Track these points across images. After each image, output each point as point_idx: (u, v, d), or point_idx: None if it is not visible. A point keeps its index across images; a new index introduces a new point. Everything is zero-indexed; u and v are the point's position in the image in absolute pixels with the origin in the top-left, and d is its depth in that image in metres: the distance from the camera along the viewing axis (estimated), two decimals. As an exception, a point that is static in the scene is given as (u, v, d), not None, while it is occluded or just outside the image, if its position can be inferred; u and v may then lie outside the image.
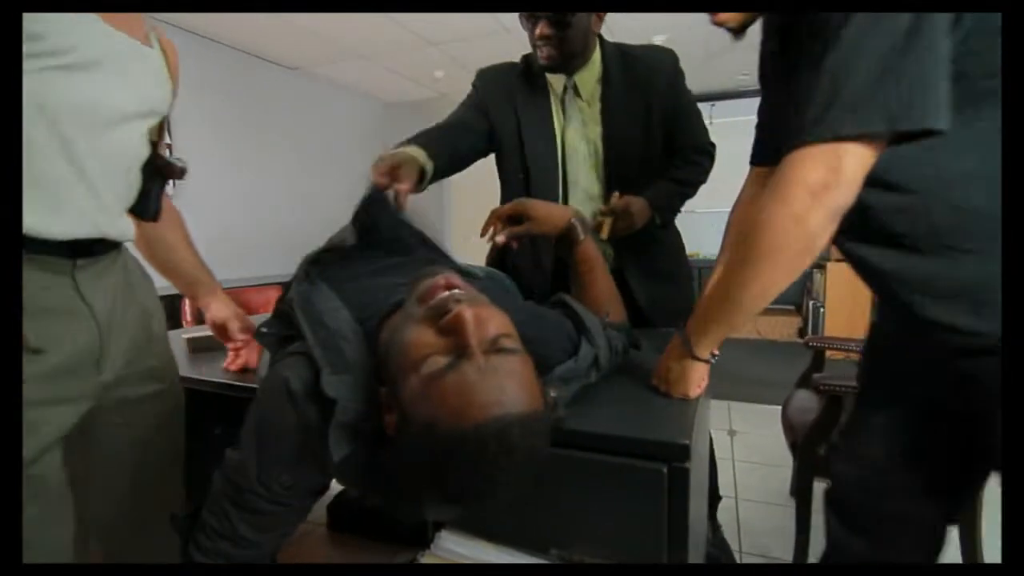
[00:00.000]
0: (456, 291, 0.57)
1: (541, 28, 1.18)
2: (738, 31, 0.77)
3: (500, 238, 0.96)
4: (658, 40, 3.58)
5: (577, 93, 1.29)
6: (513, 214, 0.98)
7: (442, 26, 3.29)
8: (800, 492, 1.41)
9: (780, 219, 0.64)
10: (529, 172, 1.34)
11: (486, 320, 0.55)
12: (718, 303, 0.73)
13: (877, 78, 0.58)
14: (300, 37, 3.39)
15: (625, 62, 1.29)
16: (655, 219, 1.27)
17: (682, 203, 1.36)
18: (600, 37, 1.30)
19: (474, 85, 1.43)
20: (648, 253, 1.33)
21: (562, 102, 1.31)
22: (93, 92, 0.68)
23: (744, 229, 0.68)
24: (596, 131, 1.30)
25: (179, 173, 0.82)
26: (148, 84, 0.77)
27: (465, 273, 0.87)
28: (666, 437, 0.63)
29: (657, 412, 0.73)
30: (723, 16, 0.75)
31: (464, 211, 5.40)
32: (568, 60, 1.24)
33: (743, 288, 0.69)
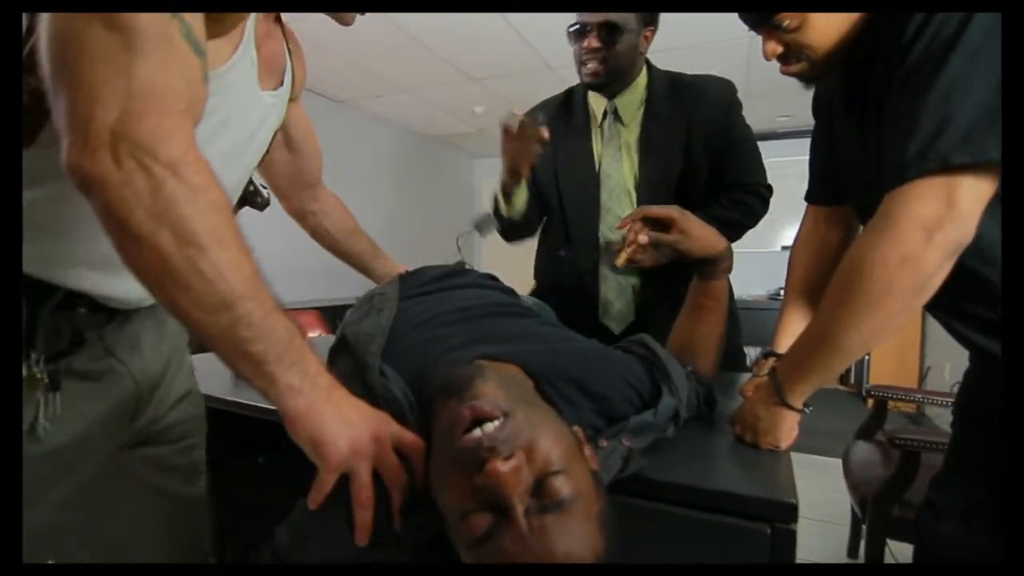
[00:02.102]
0: (488, 429, 0.47)
1: (589, 41, 1.17)
2: (809, 79, 0.77)
3: (643, 237, 0.89)
4: (699, 80, 3.59)
5: (618, 117, 1.27)
6: (663, 219, 0.89)
7: (486, 62, 3.36)
8: (871, 555, 1.29)
9: (890, 259, 0.59)
10: (563, 197, 1.31)
11: (529, 463, 0.46)
12: (817, 349, 0.67)
13: (991, 104, 0.55)
14: (349, 71, 3.50)
15: (673, 87, 1.26)
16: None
17: None
18: (647, 61, 1.28)
19: None
20: (676, 291, 1.22)
21: (601, 127, 1.29)
22: (240, 173, 0.67)
23: (847, 270, 0.64)
24: (634, 157, 1.26)
25: (262, 205, 0.80)
26: (275, 126, 0.74)
27: (517, 309, 0.79)
28: (770, 495, 0.57)
29: (749, 465, 0.67)
30: (793, 67, 0.74)
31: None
32: (613, 77, 1.21)
33: (846, 334, 0.63)
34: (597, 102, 1.28)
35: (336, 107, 4.13)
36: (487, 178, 6.18)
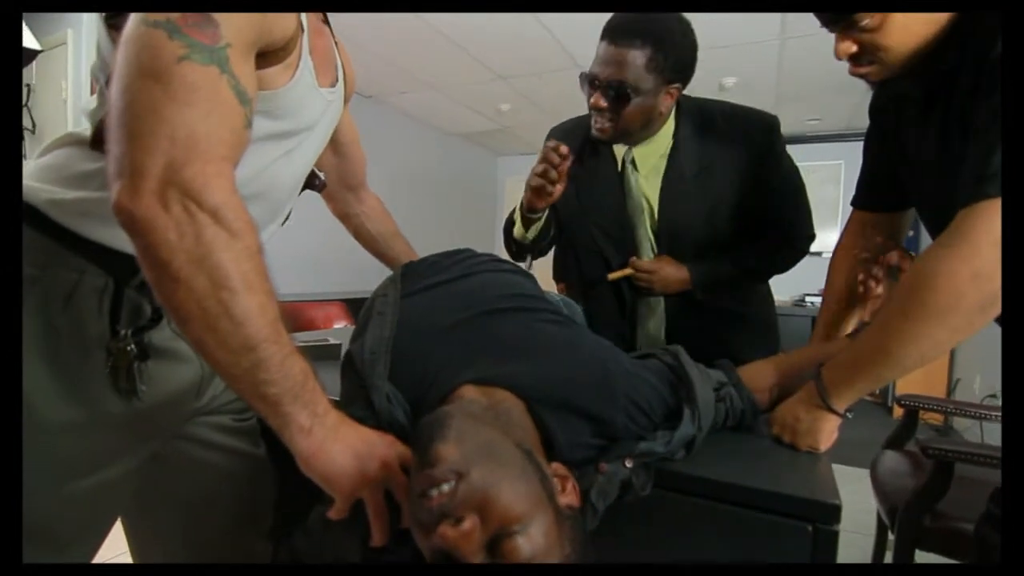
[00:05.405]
0: (444, 490, 0.47)
1: (596, 99, 1.04)
2: (877, 81, 0.75)
3: None
4: (728, 82, 3.55)
5: (635, 166, 1.15)
6: None
7: (514, 60, 3.37)
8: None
9: (960, 274, 0.59)
10: (596, 238, 1.22)
11: (484, 523, 0.46)
12: (872, 358, 0.67)
13: None
14: (377, 67, 3.54)
15: (702, 128, 1.12)
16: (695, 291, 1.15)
17: (739, 286, 1.20)
18: (680, 104, 1.13)
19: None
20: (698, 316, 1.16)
21: (624, 172, 1.17)
22: (303, 165, 0.71)
23: (913, 282, 0.63)
24: (654, 207, 1.16)
25: (320, 187, 0.84)
26: (335, 120, 0.77)
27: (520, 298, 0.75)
28: (813, 494, 0.57)
29: (789, 465, 0.67)
30: (864, 68, 0.72)
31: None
32: (624, 136, 1.11)
33: (905, 345, 0.63)
34: (618, 146, 1.17)
35: (363, 102, 4.18)
36: (511, 176, 6.18)
